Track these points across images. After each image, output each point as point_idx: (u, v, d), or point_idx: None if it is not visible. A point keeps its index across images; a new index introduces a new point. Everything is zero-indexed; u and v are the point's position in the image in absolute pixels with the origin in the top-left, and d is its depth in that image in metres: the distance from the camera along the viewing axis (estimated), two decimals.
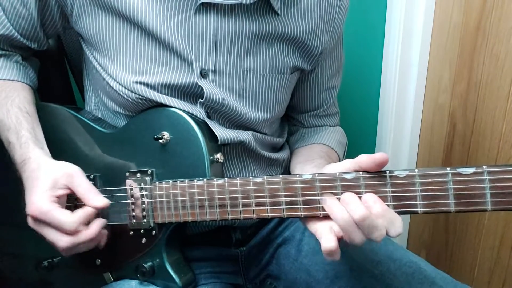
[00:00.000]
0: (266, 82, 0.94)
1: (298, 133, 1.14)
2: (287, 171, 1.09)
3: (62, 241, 0.79)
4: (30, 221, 0.81)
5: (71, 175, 0.82)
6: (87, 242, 0.81)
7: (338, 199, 0.70)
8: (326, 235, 0.70)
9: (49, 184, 0.80)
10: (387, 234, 0.67)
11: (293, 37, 0.93)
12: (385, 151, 1.50)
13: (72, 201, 0.84)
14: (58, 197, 0.80)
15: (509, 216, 1.23)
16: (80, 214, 0.79)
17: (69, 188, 0.82)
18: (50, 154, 0.87)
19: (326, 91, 1.10)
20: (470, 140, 1.33)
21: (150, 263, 0.86)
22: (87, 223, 0.81)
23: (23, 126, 0.87)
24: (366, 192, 0.69)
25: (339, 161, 1.05)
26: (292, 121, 1.17)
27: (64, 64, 1.21)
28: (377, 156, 0.67)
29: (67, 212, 0.79)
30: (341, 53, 1.10)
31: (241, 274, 1.05)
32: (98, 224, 0.82)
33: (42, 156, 0.85)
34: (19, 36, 0.94)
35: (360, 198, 0.69)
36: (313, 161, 0.96)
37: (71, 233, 0.78)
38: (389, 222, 0.67)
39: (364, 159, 0.69)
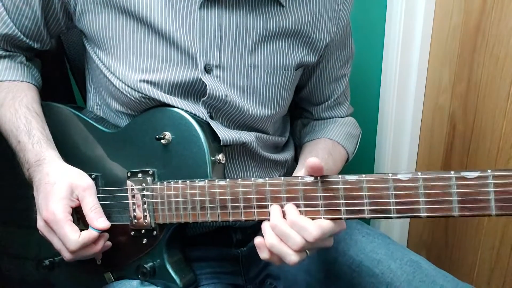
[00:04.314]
0: (271, 79, 0.93)
1: (309, 125, 1.14)
2: (289, 172, 1.09)
3: (66, 253, 0.82)
4: (41, 225, 0.83)
5: (85, 189, 0.83)
6: (91, 255, 0.85)
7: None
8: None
9: (65, 192, 0.82)
10: (306, 240, 0.70)
11: (297, 30, 0.93)
12: (385, 151, 1.51)
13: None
14: (71, 207, 0.83)
15: (509, 217, 1.23)
16: (85, 236, 0.81)
17: (78, 201, 0.84)
18: (60, 155, 0.88)
19: (335, 81, 1.09)
20: (470, 140, 1.33)
21: (151, 264, 0.87)
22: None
23: (33, 126, 0.88)
24: (368, 195, 0.69)
25: (348, 154, 1.07)
26: (304, 114, 1.17)
27: (64, 64, 1.21)
28: (308, 161, 0.71)
29: (76, 230, 0.81)
30: (350, 43, 1.09)
31: (241, 274, 1.05)
32: (103, 241, 0.86)
33: (56, 158, 0.86)
34: (22, 36, 0.94)
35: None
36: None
37: (72, 251, 0.81)
38: (300, 228, 0.70)
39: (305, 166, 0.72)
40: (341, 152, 1.06)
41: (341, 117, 1.14)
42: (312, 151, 1.02)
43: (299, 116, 1.19)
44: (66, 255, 0.83)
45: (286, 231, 0.71)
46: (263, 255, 0.75)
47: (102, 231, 0.83)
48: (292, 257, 0.71)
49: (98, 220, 0.82)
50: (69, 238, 0.79)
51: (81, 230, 0.81)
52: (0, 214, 1.04)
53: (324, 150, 1.01)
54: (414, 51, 1.42)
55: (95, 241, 0.83)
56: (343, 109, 1.15)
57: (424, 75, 1.45)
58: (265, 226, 0.74)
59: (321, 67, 1.05)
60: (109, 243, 0.88)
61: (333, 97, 1.11)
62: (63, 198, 0.81)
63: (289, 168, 1.09)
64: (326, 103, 1.12)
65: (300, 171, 0.79)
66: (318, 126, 1.12)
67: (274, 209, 0.74)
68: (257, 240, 0.75)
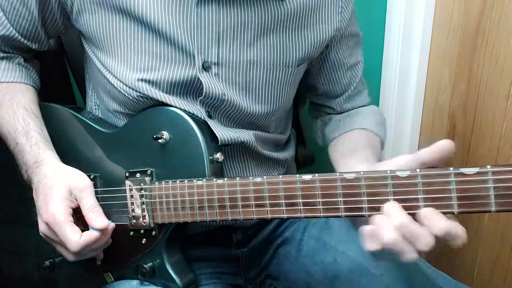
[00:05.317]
0: (271, 75, 0.93)
1: (332, 122, 1.11)
2: (289, 171, 1.09)
3: (68, 255, 0.83)
4: (43, 228, 0.82)
5: (82, 190, 0.83)
6: (94, 253, 0.85)
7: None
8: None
9: (64, 193, 0.81)
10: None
11: (298, 23, 0.92)
12: (385, 151, 1.51)
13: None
14: (72, 208, 0.82)
15: (509, 216, 1.23)
16: (86, 237, 0.80)
17: (77, 201, 0.83)
18: (58, 157, 0.88)
19: (350, 69, 1.07)
20: (470, 140, 1.33)
21: (150, 264, 0.86)
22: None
23: (31, 127, 0.88)
24: (366, 192, 0.68)
25: (382, 143, 1.04)
26: (325, 110, 1.14)
27: (64, 64, 1.21)
28: (438, 144, 0.65)
29: (77, 231, 0.80)
30: (356, 30, 1.06)
31: (241, 274, 1.05)
32: (106, 237, 0.85)
33: (54, 160, 0.86)
34: (19, 37, 0.94)
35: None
36: (356, 151, 0.94)
37: (74, 253, 0.80)
38: (451, 237, 0.65)
39: (426, 152, 0.66)
40: (377, 141, 1.04)
41: (364, 106, 1.12)
42: (351, 145, 0.99)
43: (318, 114, 1.16)
44: (69, 257, 0.83)
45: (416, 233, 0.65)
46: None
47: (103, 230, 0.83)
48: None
49: (97, 220, 0.81)
50: (70, 239, 0.79)
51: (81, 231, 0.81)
52: (0, 214, 1.04)
53: (363, 141, 0.99)
54: (414, 51, 1.42)
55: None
56: (364, 97, 1.13)
57: (424, 75, 1.45)
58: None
59: (332, 58, 1.03)
60: (109, 240, 0.87)
61: (352, 86, 1.09)
62: (63, 199, 0.81)
63: (289, 167, 1.09)
64: (346, 93, 1.09)
65: (352, 166, 0.76)
66: (343, 120, 1.09)
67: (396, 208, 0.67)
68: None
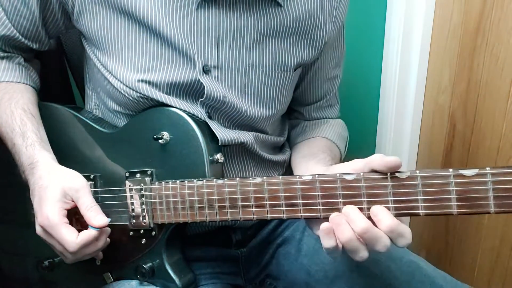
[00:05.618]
0: (269, 79, 0.93)
1: (299, 126, 1.13)
2: (288, 172, 1.09)
3: (66, 256, 0.82)
4: (39, 230, 0.82)
5: (78, 190, 0.82)
6: (93, 253, 0.84)
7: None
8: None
9: (58, 195, 0.81)
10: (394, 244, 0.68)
11: (297, 29, 0.93)
12: (385, 151, 1.51)
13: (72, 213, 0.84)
14: (66, 210, 0.82)
15: (509, 216, 1.23)
16: (84, 237, 0.79)
17: (73, 202, 0.83)
18: (55, 157, 0.87)
19: (328, 81, 1.09)
20: (470, 140, 1.33)
21: (149, 264, 0.86)
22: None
23: (28, 128, 0.88)
24: (366, 193, 0.68)
25: (341, 154, 1.06)
26: (294, 114, 1.16)
27: (64, 64, 1.21)
28: (390, 160, 0.67)
29: (73, 231, 0.79)
30: (343, 43, 1.08)
31: (241, 274, 1.05)
32: (105, 236, 0.84)
33: (49, 160, 0.85)
34: (20, 37, 0.94)
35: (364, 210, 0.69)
36: (316, 156, 0.96)
37: (72, 253, 0.80)
38: (396, 235, 0.67)
39: (377, 162, 0.68)
40: (337, 151, 1.06)
41: (332, 118, 1.14)
42: (312, 149, 1.01)
43: (288, 117, 1.17)
44: (67, 259, 0.83)
45: (379, 235, 0.67)
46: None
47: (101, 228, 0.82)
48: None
49: (96, 218, 0.81)
50: (66, 240, 0.78)
51: (78, 231, 0.81)
52: (0, 214, 1.04)
53: (324, 148, 1.01)
54: (414, 51, 1.42)
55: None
56: (334, 111, 1.15)
57: (424, 75, 1.45)
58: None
59: (316, 66, 1.04)
60: (108, 240, 0.87)
61: (325, 98, 1.11)
62: (57, 201, 0.80)
63: (288, 168, 1.09)
64: (318, 103, 1.11)
65: (343, 165, 0.79)
66: (310, 126, 1.12)
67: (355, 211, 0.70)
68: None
